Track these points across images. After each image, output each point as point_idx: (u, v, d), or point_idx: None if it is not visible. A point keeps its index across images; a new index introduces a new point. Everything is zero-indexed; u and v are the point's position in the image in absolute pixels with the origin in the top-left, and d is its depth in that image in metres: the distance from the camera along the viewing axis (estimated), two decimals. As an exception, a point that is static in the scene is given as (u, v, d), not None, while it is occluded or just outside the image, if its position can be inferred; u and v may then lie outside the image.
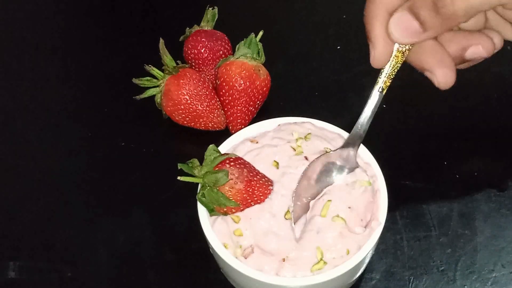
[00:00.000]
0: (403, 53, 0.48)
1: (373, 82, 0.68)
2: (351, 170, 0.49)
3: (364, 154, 0.51)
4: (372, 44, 0.47)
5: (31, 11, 0.78)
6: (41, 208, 0.59)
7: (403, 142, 0.62)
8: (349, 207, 0.47)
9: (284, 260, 0.45)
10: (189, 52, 0.63)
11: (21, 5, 0.78)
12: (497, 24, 0.51)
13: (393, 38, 0.46)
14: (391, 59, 0.48)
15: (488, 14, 0.50)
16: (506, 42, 0.70)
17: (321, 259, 0.45)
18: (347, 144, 0.49)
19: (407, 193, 0.57)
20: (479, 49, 0.49)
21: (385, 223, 0.47)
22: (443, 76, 0.48)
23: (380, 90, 0.49)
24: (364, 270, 0.50)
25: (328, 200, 0.47)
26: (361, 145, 0.51)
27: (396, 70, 0.49)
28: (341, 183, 0.48)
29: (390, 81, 0.49)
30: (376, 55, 0.47)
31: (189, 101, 0.59)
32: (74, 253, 0.56)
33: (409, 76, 0.69)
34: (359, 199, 0.47)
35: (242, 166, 0.47)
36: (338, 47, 0.71)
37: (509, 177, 0.59)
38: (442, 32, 0.47)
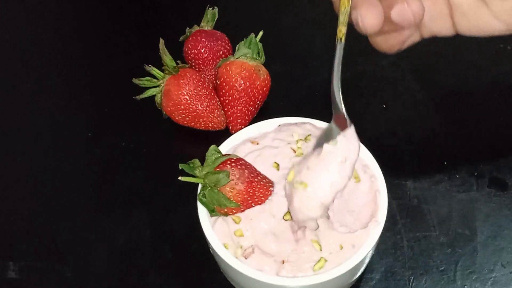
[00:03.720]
0: None
1: (373, 82, 0.68)
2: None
3: (364, 154, 0.51)
4: None
5: (31, 11, 0.78)
6: (41, 208, 0.59)
7: (403, 142, 0.62)
8: (316, 173, 0.46)
9: (283, 262, 0.45)
10: (189, 52, 0.63)
11: (21, 5, 0.78)
12: None
13: None
14: (340, 6, 0.48)
15: None
16: (506, 42, 0.70)
17: (321, 258, 0.45)
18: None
19: (407, 193, 0.57)
20: (404, 9, 0.47)
21: (385, 223, 0.47)
22: (365, 12, 0.47)
23: (339, 40, 0.49)
24: (364, 270, 0.50)
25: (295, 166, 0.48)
26: (361, 145, 0.51)
27: (347, 16, 0.48)
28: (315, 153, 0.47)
29: (345, 28, 0.49)
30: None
31: (189, 101, 0.59)
32: (74, 253, 0.56)
33: (409, 76, 0.69)
34: (339, 176, 0.46)
35: (243, 167, 0.47)
36: (338, 47, 0.71)
37: (509, 177, 0.59)
38: None
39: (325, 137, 0.47)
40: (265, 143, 0.51)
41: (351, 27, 0.73)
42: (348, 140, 0.47)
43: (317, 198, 0.45)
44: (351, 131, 0.47)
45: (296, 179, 0.46)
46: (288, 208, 0.47)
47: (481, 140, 0.62)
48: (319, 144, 0.48)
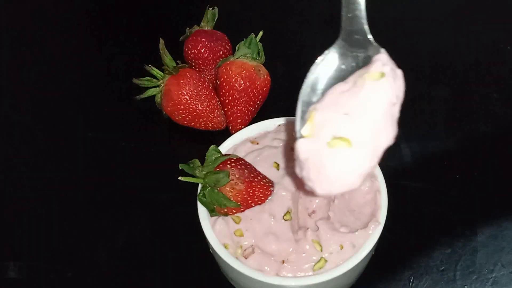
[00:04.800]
0: None
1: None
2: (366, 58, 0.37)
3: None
4: None
5: (31, 11, 0.78)
6: (41, 208, 0.59)
7: (403, 142, 0.62)
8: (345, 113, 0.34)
9: (283, 262, 0.45)
10: (189, 52, 0.63)
11: (21, 5, 0.78)
12: None
13: None
14: None
15: None
16: (506, 42, 0.70)
17: (321, 258, 0.45)
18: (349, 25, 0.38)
19: (407, 193, 0.57)
20: None
21: (385, 223, 0.47)
22: None
23: None
24: (364, 270, 0.50)
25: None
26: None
27: None
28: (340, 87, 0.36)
29: None
30: None
31: (189, 101, 0.59)
32: (74, 253, 0.56)
33: (409, 76, 0.69)
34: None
35: (243, 167, 0.47)
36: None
37: (509, 177, 0.59)
38: None
39: (352, 66, 0.37)
40: (265, 143, 0.51)
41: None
42: (394, 71, 0.37)
43: (366, 161, 0.35)
44: (387, 56, 0.38)
45: (331, 133, 0.34)
46: (310, 178, 0.36)
47: (481, 140, 0.62)
48: (344, 79, 0.36)
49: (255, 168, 0.48)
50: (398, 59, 0.69)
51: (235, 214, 0.47)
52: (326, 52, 0.39)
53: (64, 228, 0.57)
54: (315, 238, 0.46)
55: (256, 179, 0.47)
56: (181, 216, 0.56)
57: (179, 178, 0.47)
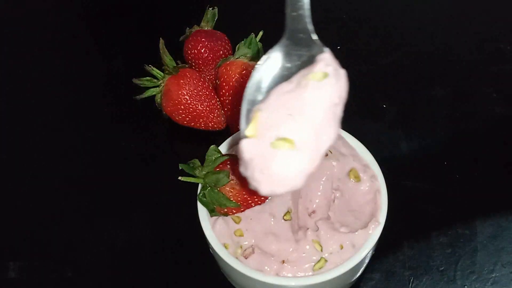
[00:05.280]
0: None
1: (373, 82, 0.68)
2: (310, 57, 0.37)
3: (364, 154, 0.51)
4: None
5: (31, 11, 0.78)
6: (41, 208, 0.59)
7: (403, 142, 0.62)
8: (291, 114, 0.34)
9: (283, 262, 0.45)
10: (189, 52, 0.63)
11: (21, 5, 0.78)
12: None
13: None
14: None
15: None
16: (506, 42, 0.70)
17: (321, 258, 0.45)
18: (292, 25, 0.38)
19: (407, 193, 0.57)
20: None
21: (385, 223, 0.47)
22: None
23: None
24: (364, 270, 0.50)
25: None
26: (361, 145, 0.51)
27: None
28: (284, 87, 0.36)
29: None
30: None
31: (189, 101, 0.59)
32: (74, 253, 0.56)
33: (409, 76, 0.69)
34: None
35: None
36: (338, 47, 0.71)
37: (509, 177, 0.59)
38: None
39: (297, 64, 0.37)
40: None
41: (352, 30, 0.74)
42: (337, 71, 0.37)
43: (308, 162, 0.35)
44: (331, 56, 0.37)
45: (274, 134, 0.35)
46: (254, 177, 0.36)
47: (481, 140, 0.62)
48: (289, 78, 0.37)
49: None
50: (399, 59, 0.70)
51: (235, 214, 0.47)
52: (270, 50, 0.39)
53: (64, 228, 0.57)
54: (315, 238, 0.46)
55: (256, 179, 0.46)
56: (181, 216, 0.56)
57: (179, 178, 0.46)
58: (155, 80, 0.61)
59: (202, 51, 0.62)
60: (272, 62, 0.39)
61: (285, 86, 0.36)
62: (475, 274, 0.53)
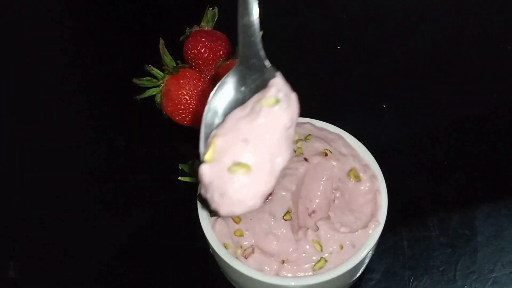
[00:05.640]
0: None
1: (373, 82, 0.68)
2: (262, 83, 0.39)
3: (364, 154, 0.51)
4: None
5: (31, 11, 0.78)
6: (41, 208, 0.59)
7: (403, 142, 0.62)
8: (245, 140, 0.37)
9: (283, 262, 0.45)
10: (189, 52, 0.63)
11: (21, 5, 0.78)
12: None
13: None
14: None
15: None
16: (506, 42, 0.70)
17: (321, 258, 0.45)
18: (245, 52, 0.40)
19: (407, 193, 0.57)
20: None
21: (385, 223, 0.47)
22: None
23: None
24: (364, 270, 0.50)
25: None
26: (361, 145, 0.51)
27: None
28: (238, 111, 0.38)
29: None
30: None
31: (189, 101, 0.59)
32: (74, 253, 0.56)
33: (409, 76, 0.69)
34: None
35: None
36: (338, 47, 0.71)
37: (509, 177, 0.59)
38: None
39: (251, 88, 0.40)
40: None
41: (352, 30, 0.74)
42: (289, 95, 0.38)
43: (264, 184, 0.37)
44: (282, 81, 0.39)
45: (231, 159, 0.37)
46: (213, 199, 0.38)
47: (481, 140, 0.62)
48: (244, 101, 0.39)
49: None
50: (399, 59, 0.70)
51: (235, 214, 0.47)
52: (226, 75, 0.41)
53: (64, 228, 0.57)
54: (315, 238, 0.46)
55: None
56: (181, 216, 0.56)
57: (179, 178, 0.47)
58: (155, 80, 0.61)
59: (202, 51, 0.62)
60: (227, 87, 0.41)
61: (240, 112, 0.38)
62: (475, 274, 0.53)
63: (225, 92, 0.40)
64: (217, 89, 0.40)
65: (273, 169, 0.37)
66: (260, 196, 0.38)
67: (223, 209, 0.38)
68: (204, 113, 0.40)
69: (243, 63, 0.41)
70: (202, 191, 0.39)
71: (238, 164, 0.37)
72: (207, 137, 0.39)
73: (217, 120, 0.40)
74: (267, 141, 0.37)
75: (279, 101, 0.37)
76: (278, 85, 0.39)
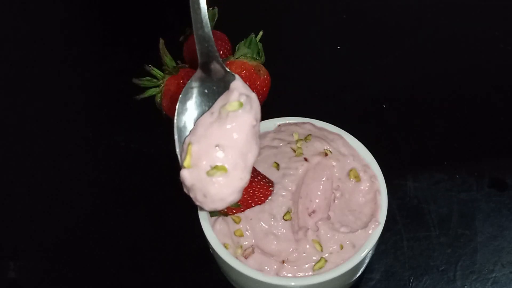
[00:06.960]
0: None
1: (373, 82, 0.68)
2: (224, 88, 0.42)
3: (364, 154, 0.51)
4: None
5: (32, 11, 0.78)
6: (41, 208, 0.59)
7: (403, 142, 0.62)
8: (217, 145, 0.40)
9: (283, 262, 0.45)
10: (189, 52, 0.63)
11: (21, 5, 0.78)
12: None
13: None
14: None
15: None
16: (506, 42, 0.70)
17: (321, 258, 0.45)
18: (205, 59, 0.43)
19: (407, 193, 0.57)
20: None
21: (385, 223, 0.47)
22: None
23: None
24: (364, 270, 0.50)
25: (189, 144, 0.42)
26: (361, 145, 0.51)
27: None
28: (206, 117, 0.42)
29: None
30: None
31: (189, 101, 0.59)
32: (74, 253, 0.56)
33: (409, 76, 0.69)
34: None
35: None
36: (338, 47, 0.71)
37: (509, 177, 0.59)
38: None
39: (213, 90, 0.43)
40: (265, 142, 0.51)
41: (352, 30, 0.74)
42: (250, 96, 0.41)
43: (240, 180, 0.41)
44: (241, 83, 0.42)
45: (208, 164, 0.40)
46: (197, 199, 0.42)
47: (481, 140, 0.62)
48: (209, 103, 0.42)
49: (255, 168, 0.48)
50: (399, 59, 0.70)
51: (235, 214, 0.47)
52: (189, 81, 0.44)
53: (64, 228, 0.57)
54: (315, 238, 0.46)
55: (256, 179, 0.46)
56: (181, 216, 0.56)
57: (179, 178, 0.46)
58: (155, 80, 0.61)
59: (202, 51, 0.62)
60: (192, 92, 0.44)
61: (208, 118, 0.42)
62: (475, 274, 0.53)
63: (191, 97, 0.44)
64: (183, 94, 0.43)
65: (246, 165, 0.41)
66: (238, 191, 0.41)
67: (206, 207, 0.42)
68: (175, 118, 0.43)
69: (202, 69, 0.44)
70: (185, 191, 0.43)
71: (215, 167, 0.40)
72: (180, 140, 0.43)
73: (188, 124, 0.43)
74: (237, 142, 0.40)
75: (242, 104, 0.41)
76: (239, 88, 0.42)
